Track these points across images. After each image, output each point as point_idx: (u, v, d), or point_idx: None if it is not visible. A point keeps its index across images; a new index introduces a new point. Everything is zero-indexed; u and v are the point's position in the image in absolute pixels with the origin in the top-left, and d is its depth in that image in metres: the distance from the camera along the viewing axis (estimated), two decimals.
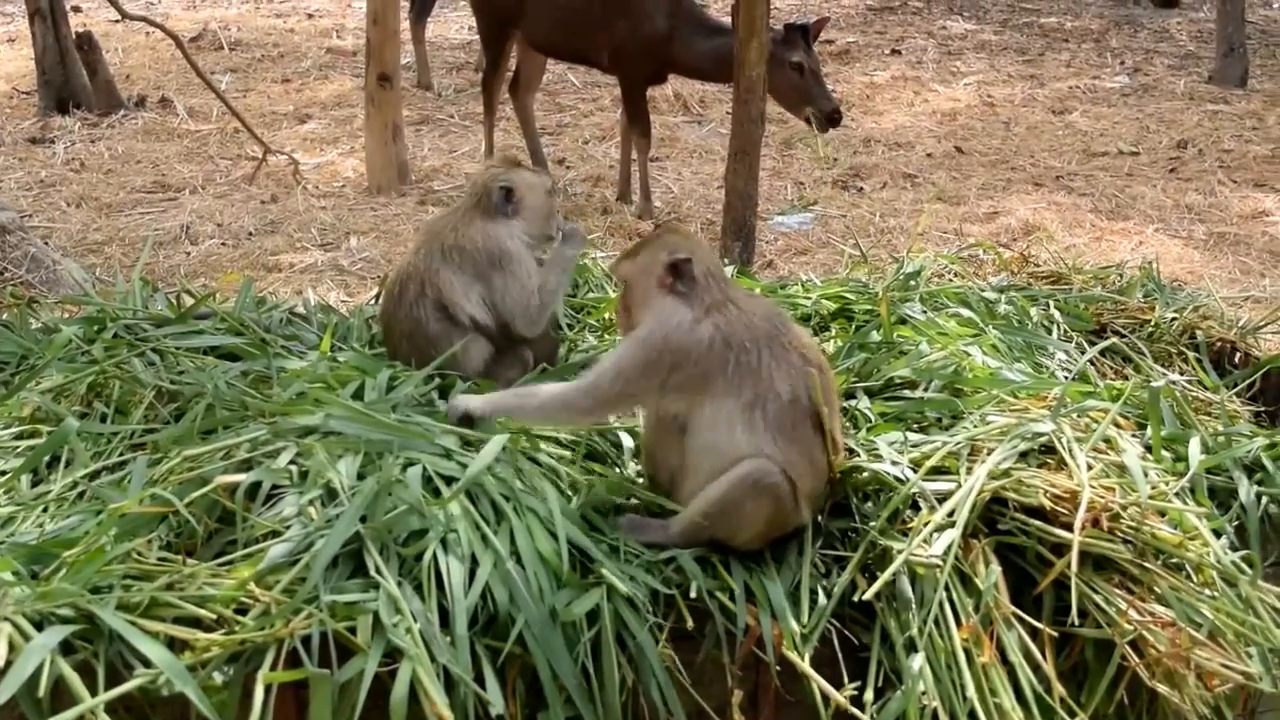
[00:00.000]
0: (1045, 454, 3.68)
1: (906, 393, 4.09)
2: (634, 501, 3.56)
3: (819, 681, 3.24)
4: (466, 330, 4.21)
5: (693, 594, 3.28)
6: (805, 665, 3.24)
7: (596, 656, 3.15)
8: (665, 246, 3.54)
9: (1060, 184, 11.03)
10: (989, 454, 3.61)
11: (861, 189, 10.88)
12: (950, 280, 5.34)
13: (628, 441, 3.80)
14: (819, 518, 3.56)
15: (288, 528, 3.24)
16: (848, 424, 3.88)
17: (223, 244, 9.23)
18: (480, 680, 3.03)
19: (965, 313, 4.75)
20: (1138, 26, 17.61)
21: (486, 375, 4.19)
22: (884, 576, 3.33)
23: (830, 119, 9.43)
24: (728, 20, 9.14)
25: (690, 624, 3.24)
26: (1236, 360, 5.00)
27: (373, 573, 3.11)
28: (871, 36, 16.43)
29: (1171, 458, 3.93)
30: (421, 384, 3.99)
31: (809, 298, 4.88)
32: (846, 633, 3.36)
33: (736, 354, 3.43)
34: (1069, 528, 3.39)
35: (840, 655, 3.33)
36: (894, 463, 3.61)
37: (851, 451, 3.68)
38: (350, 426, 3.53)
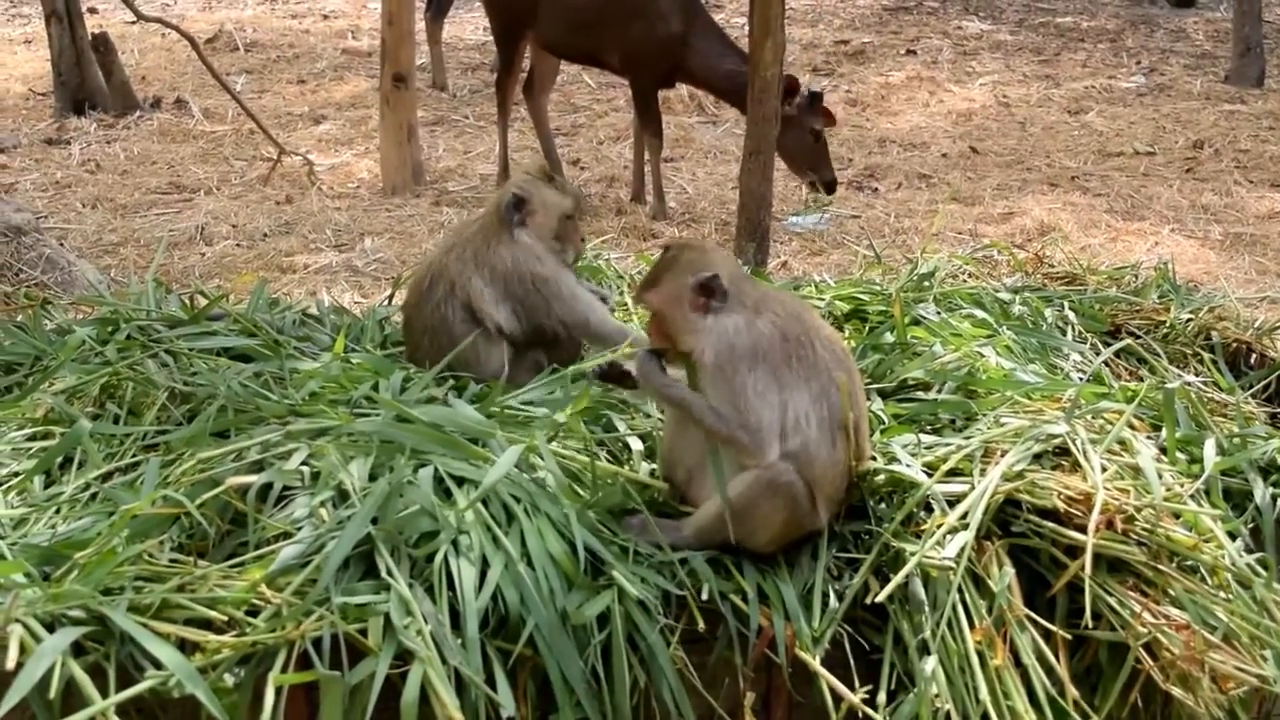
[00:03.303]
0: (1059, 456, 3.67)
1: (920, 394, 4.08)
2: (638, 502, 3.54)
3: (832, 682, 3.23)
4: (491, 335, 4.22)
5: (705, 596, 3.27)
6: (817, 664, 3.24)
7: (607, 658, 3.14)
8: (687, 269, 3.49)
9: (1075, 184, 11.00)
10: (1002, 456, 3.60)
11: (876, 189, 10.86)
12: (964, 281, 5.32)
13: (636, 445, 3.78)
14: (833, 520, 3.54)
15: (299, 529, 3.24)
16: None
17: (237, 245, 9.24)
18: (491, 682, 3.03)
19: (979, 314, 4.74)
20: (1154, 26, 17.56)
21: (498, 378, 4.19)
22: (897, 579, 3.32)
23: (829, 188, 9.75)
24: (742, 40, 9.15)
25: (702, 626, 3.23)
26: (1252, 361, 4.98)
27: (384, 574, 3.11)
28: (887, 37, 16.40)
29: (1186, 459, 3.91)
30: (433, 383, 3.99)
31: (823, 298, 4.86)
32: (859, 636, 3.35)
33: (795, 348, 3.43)
34: (1083, 530, 3.38)
35: (852, 658, 3.32)
36: (908, 465, 3.60)
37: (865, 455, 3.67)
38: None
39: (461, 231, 4.41)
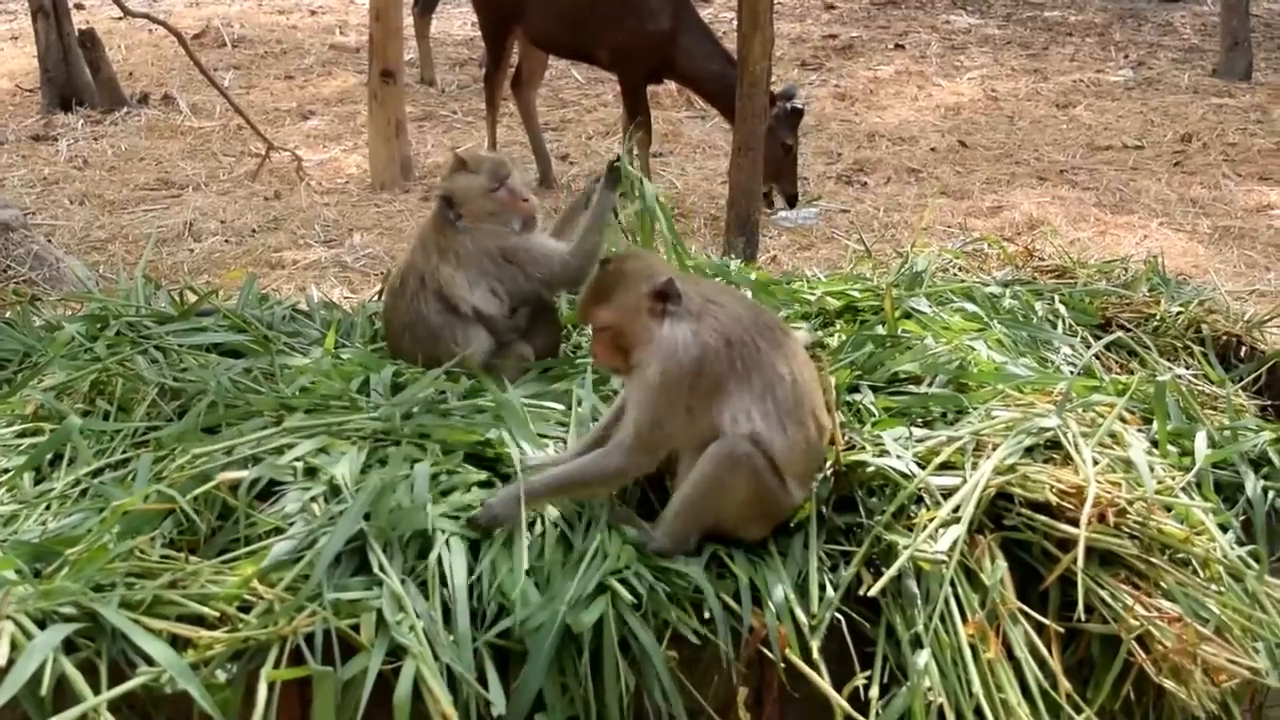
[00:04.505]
0: (1051, 449, 3.67)
1: (911, 387, 4.07)
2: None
3: (820, 684, 3.22)
4: (468, 321, 4.22)
5: (706, 613, 3.24)
6: (806, 667, 3.22)
7: (598, 657, 3.12)
8: (639, 277, 3.45)
9: (1064, 178, 11.01)
10: (994, 449, 3.59)
11: (865, 184, 10.86)
12: (955, 275, 5.32)
13: None
14: (823, 509, 3.54)
15: (291, 525, 3.23)
16: (853, 420, 3.86)
17: (226, 241, 9.22)
18: (483, 679, 3.02)
19: (970, 307, 4.73)
20: (1141, 20, 17.59)
21: (486, 369, 4.19)
22: (889, 572, 3.31)
23: (790, 201, 9.93)
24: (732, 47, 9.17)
25: (695, 623, 3.22)
26: (1242, 354, 4.97)
27: (376, 570, 3.11)
28: (875, 31, 16.42)
29: (1177, 452, 3.91)
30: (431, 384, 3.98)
31: (813, 294, 4.85)
32: (851, 630, 3.34)
33: (739, 350, 3.41)
34: (1075, 523, 3.38)
35: (843, 651, 3.31)
36: (899, 458, 3.60)
37: (856, 446, 3.67)
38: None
39: (421, 230, 4.44)
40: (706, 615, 3.24)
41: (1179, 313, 5.03)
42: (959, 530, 3.38)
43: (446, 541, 3.18)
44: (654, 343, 3.41)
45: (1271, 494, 3.88)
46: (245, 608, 3.02)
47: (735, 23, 8.56)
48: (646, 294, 3.42)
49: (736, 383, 3.39)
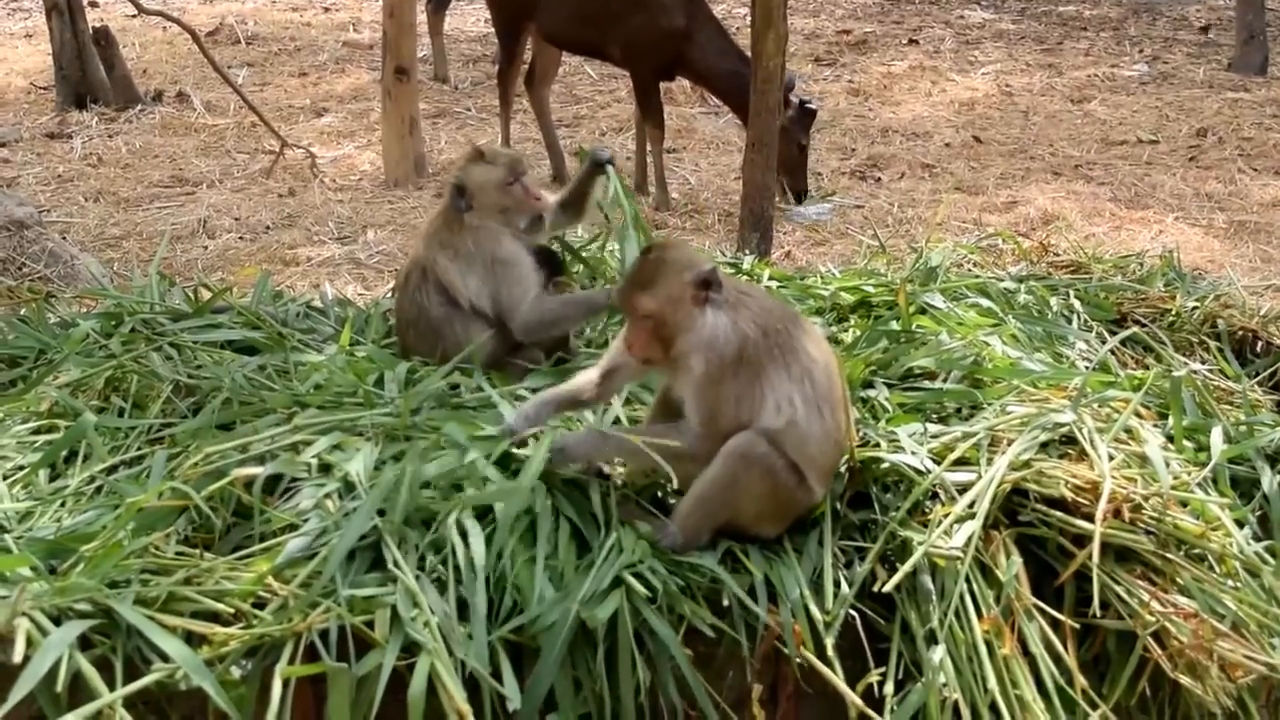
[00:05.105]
0: (1066, 445, 3.66)
1: (926, 383, 4.07)
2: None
3: (833, 679, 3.21)
4: (468, 314, 4.23)
5: (724, 603, 3.24)
6: (820, 664, 3.22)
7: (613, 654, 3.12)
8: (680, 266, 3.45)
9: (1079, 173, 10.98)
10: (1009, 445, 3.59)
11: (879, 179, 10.84)
12: (969, 270, 5.31)
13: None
14: (838, 505, 3.54)
15: (305, 521, 3.23)
16: (868, 415, 3.86)
17: (240, 238, 9.23)
18: (498, 675, 3.02)
19: (985, 302, 4.73)
20: (1156, 14, 17.53)
21: (495, 365, 4.19)
22: (904, 568, 3.31)
23: (799, 197, 10.06)
24: (745, 43, 9.18)
25: (710, 619, 3.21)
26: (1258, 349, 4.97)
27: (390, 566, 3.11)
28: (889, 26, 16.39)
29: (1193, 447, 3.90)
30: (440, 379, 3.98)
31: (827, 289, 4.85)
32: (866, 625, 3.34)
33: (773, 338, 3.42)
34: (1090, 519, 3.37)
35: (866, 643, 3.30)
36: (914, 453, 3.59)
37: (871, 442, 3.66)
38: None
39: (429, 220, 4.44)
40: (725, 603, 3.24)
41: (1195, 308, 5.02)
42: (974, 526, 3.38)
43: (461, 537, 3.18)
44: (694, 332, 3.41)
45: None
46: (260, 604, 3.02)
47: (748, 19, 8.56)
48: (690, 282, 3.42)
49: (775, 369, 3.40)
